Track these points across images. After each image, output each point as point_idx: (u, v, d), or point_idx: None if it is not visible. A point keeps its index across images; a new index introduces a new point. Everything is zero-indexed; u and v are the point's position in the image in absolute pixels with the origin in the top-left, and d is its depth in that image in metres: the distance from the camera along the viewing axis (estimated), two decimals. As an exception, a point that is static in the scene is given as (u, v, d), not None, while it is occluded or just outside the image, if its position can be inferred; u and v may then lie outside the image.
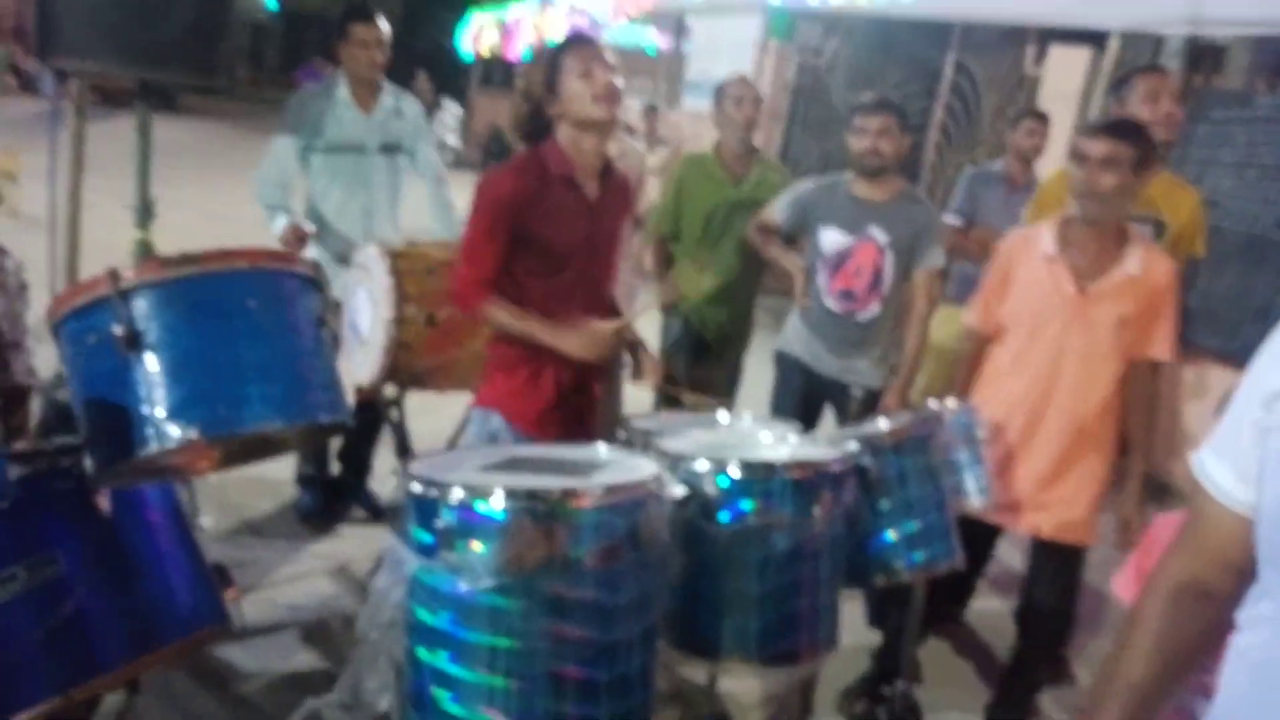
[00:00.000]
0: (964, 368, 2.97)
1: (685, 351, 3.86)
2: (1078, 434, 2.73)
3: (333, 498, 3.91)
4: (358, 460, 3.91)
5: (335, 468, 3.97)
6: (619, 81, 2.39)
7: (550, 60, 2.39)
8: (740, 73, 3.96)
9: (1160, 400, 2.84)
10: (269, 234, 3.58)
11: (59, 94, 3.70)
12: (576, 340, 2.37)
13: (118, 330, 1.71)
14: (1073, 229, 2.69)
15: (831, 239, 3.27)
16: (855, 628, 3.02)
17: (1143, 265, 2.64)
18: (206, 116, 17.37)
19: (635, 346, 2.63)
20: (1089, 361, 2.70)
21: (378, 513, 3.83)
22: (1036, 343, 2.74)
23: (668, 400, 3.67)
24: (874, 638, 3.12)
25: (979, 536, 2.87)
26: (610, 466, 1.88)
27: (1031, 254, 2.76)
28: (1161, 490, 5.57)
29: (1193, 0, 5.28)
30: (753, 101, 3.73)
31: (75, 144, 3.55)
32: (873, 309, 3.28)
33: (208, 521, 3.51)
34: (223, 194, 10.37)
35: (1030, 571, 2.91)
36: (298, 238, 3.48)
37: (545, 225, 2.39)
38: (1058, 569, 2.81)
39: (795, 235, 3.48)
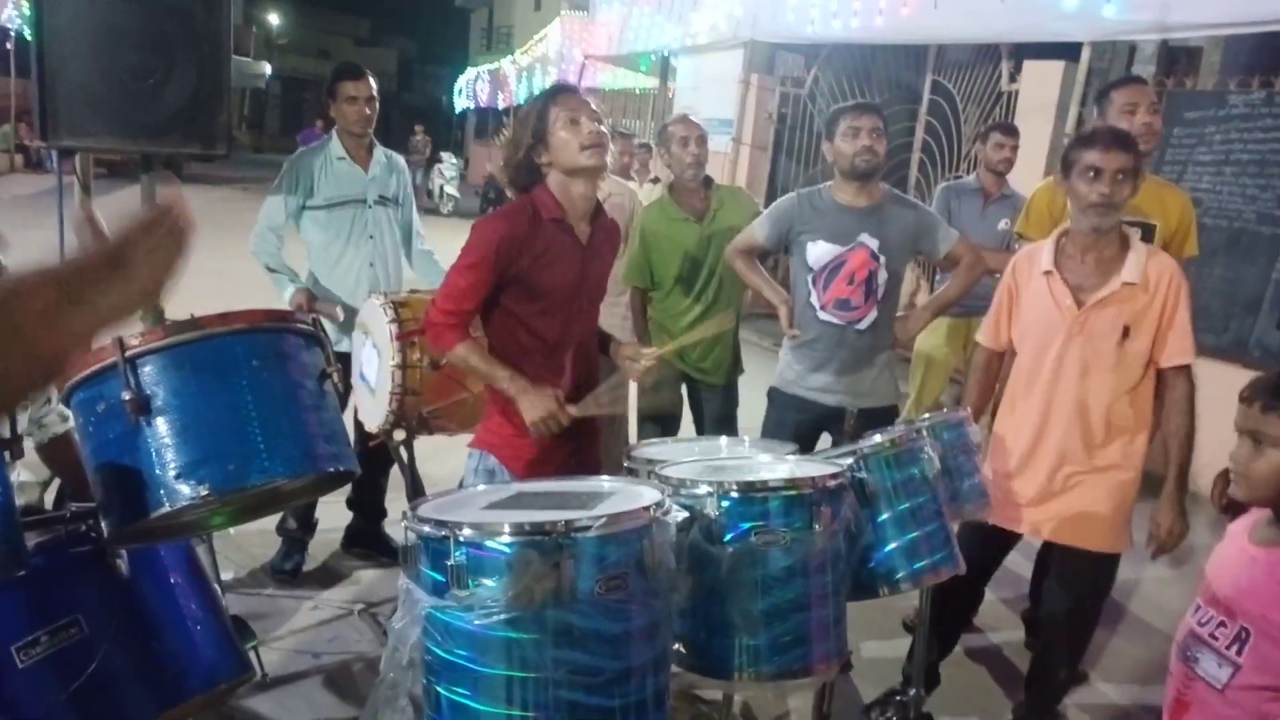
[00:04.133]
0: (975, 376, 3.01)
1: (670, 384, 3.86)
2: (1086, 441, 2.75)
3: (351, 542, 4.00)
4: (370, 505, 3.97)
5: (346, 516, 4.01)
6: (605, 129, 2.43)
7: (538, 111, 2.43)
8: (681, 113, 3.98)
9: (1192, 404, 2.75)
10: (277, 295, 3.66)
11: (64, 170, 3.79)
12: (529, 402, 2.37)
13: (125, 396, 1.75)
14: (1072, 242, 2.72)
15: (821, 251, 3.20)
16: (879, 637, 3.05)
17: (1141, 271, 2.64)
18: (211, 183, 17.59)
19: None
20: (1093, 373, 2.70)
21: (395, 556, 3.86)
22: (1042, 360, 2.76)
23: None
24: (894, 648, 3.14)
25: (989, 544, 2.90)
26: (614, 496, 1.92)
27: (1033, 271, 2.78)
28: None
29: (1161, 7, 5.38)
30: (698, 139, 3.71)
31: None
32: (871, 315, 3.21)
33: (229, 575, 3.56)
34: (231, 257, 10.44)
35: (1049, 577, 2.96)
36: (308, 300, 3.61)
37: (539, 267, 2.43)
38: (1073, 574, 2.85)
39: (779, 252, 3.45)
